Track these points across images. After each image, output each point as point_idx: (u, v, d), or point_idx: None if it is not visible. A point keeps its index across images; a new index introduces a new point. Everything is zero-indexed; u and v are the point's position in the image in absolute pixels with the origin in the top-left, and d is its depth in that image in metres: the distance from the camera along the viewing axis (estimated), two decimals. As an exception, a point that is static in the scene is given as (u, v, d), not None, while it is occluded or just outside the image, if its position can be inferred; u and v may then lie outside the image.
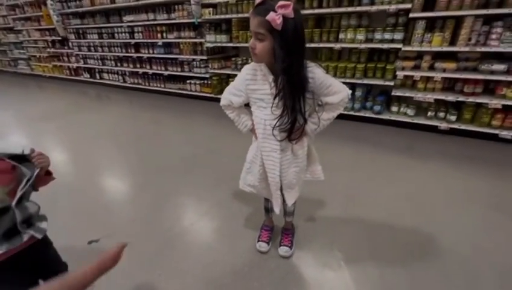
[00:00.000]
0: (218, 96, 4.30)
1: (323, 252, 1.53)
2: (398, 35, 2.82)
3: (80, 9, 5.33)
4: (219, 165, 2.51)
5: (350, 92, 1.15)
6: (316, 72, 1.05)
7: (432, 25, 2.76)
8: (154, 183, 2.29)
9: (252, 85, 1.11)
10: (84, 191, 2.22)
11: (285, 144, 1.17)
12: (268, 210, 1.57)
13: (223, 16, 3.76)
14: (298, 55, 0.96)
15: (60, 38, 6.08)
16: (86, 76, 6.30)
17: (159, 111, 4.30)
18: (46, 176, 1.01)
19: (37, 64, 7.29)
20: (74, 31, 5.83)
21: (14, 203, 0.85)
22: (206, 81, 4.36)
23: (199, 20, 3.88)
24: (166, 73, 4.76)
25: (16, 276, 0.94)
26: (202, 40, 4.06)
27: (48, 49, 6.67)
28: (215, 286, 1.37)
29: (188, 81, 4.54)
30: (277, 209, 1.32)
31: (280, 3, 0.87)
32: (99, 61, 5.80)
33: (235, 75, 3.81)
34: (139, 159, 2.75)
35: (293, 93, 1.00)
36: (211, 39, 3.97)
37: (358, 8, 2.90)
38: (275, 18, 0.87)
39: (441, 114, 2.91)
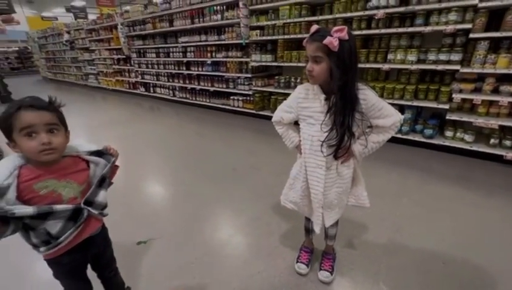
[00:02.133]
0: (260, 112, 4.44)
1: (366, 283, 1.44)
2: (456, 56, 2.64)
3: (143, 32, 6.05)
4: (258, 180, 2.55)
5: (402, 117, 1.14)
6: (368, 94, 1.09)
7: (496, 46, 2.54)
8: (196, 193, 2.40)
9: (303, 103, 1.16)
10: (133, 195, 2.42)
11: (331, 162, 1.17)
12: (309, 231, 1.54)
13: (269, 37, 3.94)
14: (352, 74, 1.03)
15: (124, 56, 6.93)
16: (141, 90, 7.02)
17: (203, 124, 4.57)
18: (115, 167, 1.09)
19: (104, 79, 8.35)
20: (136, 51, 6.60)
21: (82, 202, 0.93)
22: (248, 98, 4.54)
23: (247, 41, 4.11)
24: (212, 89, 5.08)
25: (79, 264, 1.05)
26: (248, 60, 4.28)
27: (113, 66, 7.63)
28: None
29: (231, 97, 4.78)
30: (317, 228, 1.30)
31: (336, 28, 0.98)
32: (154, 77, 6.43)
33: (278, 93, 3.92)
34: (183, 169, 2.92)
35: (344, 110, 1.04)
36: (257, 58, 4.16)
37: (411, 29, 2.81)
38: (332, 41, 0.96)
39: (508, 142, 2.59)
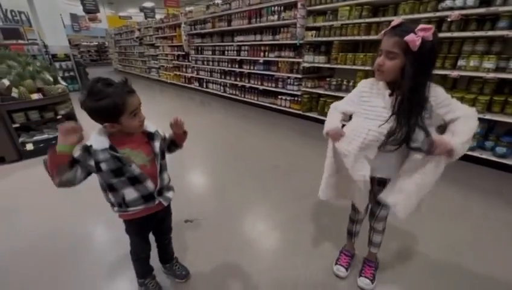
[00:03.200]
0: (306, 113, 4.41)
1: (410, 299, 1.35)
2: (547, 66, 2.27)
3: (202, 31, 6.48)
4: (299, 180, 2.55)
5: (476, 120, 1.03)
6: (437, 91, 1.01)
7: None
8: (238, 184, 2.52)
9: (366, 97, 1.12)
10: (183, 179, 2.63)
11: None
12: (352, 234, 1.50)
13: (324, 38, 3.88)
14: (427, 76, 0.96)
15: (183, 53, 7.50)
16: (195, 84, 7.51)
17: (249, 121, 4.71)
18: (184, 134, 1.29)
19: (164, 73, 9.16)
20: (194, 48, 7.09)
21: (158, 173, 1.13)
22: (296, 98, 4.53)
23: (301, 41, 4.11)
24: (261, 87, 5.20)
25: (144, 226, 1.25)
26: (300, 60, 4.28)
27: (173, 61, 8.32)
28: (213, 267, 1.41)
29: (279, 97, 4.83)
30: (362, 207, 1.26)
31: (422, 26, 0.91)
32: (208, 73, 6.83)
33: (327, 95, 3.82)
34: (228, 161, 3.08)
35: (410, 113, 0.98)
36: (309, 59, 4.13)
37: (491, 33, 2.50)
38: (415, 39, 0.90)
39: None
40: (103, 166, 0.99)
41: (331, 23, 3.74)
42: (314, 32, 4.01)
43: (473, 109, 1.03)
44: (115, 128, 0.99)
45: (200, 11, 6.40)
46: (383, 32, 1.01)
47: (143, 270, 1.38)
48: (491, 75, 2.56)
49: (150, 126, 1.14)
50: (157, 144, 1.13)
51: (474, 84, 2.84)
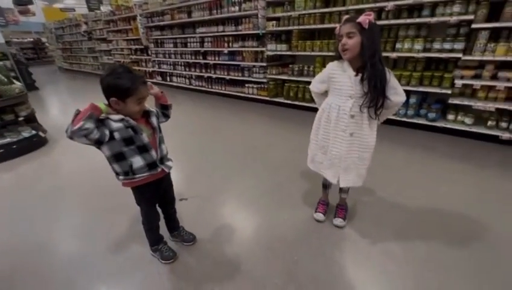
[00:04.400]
0: (274, 99, 4.75)
1: (372, 227, 1.78)
2: (459, 45, 2.90)
3: (161, 23, 6.35)
4: (277, 155, 2.88)
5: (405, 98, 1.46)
6: (389, 73, 1.40)
7: (497, 35, 2.79)
8: (223, 166, 2.75)
9: (334, 77, 1.47)
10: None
11: (353, 128, 1.47)
12: (326, 186, 1.87)
13: (285, 28, 4.21)
14: (378, 46, 1.34)
15: (142, 47, 7.25)
16: (158, 79, 7.36)
17: (220, 110, 4.90)
18: (161, 93, 1.43)
19: (120, 68, 8.70)
20: (154, 41, 6.92)
21: (157, 144, 1.34)
22: (263, 86, 4.84)
23: (263, 31, 4.39)
24: (228, 77, 5.39)
25: (153, 193, 1.44)
26: (263, 49, 4.57)
27: (131, 56, 7.97)
28: (280, 237, 1.72)
29: (246, 85, 5.09)
30: (334, 180, 1.61)
31: (366, 12, 1.31)
32: (171, 66, 6.76)
33: (291, 81, 4.23)
34: (207, 147, 3.28)
35: (375, 76, 1.32)
36: (272, 48, 4.44)
37: (418, 20, 3.06)
38: (364, 19, 1.28)
39: (504, 124, 2.86)
40: (116, 135, 1.17)
41: (289, 13, 4.07)
42: (274, 22, 4.32)
43: (404, 99, 1.44)
44: (119, 105, 1.17)
45: (156, 3, 6.25)
46: (339, 26, 1.37)
47: (155, 238, 1.57)
48: (421, 55, 3.15)
49: (146, 106, 1.32)
50: (154, 120, 1.34)
51: (409, 63, 3.44)
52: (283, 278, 1.44)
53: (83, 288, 1.45)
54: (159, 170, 1.36)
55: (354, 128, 1.47)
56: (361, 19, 1.28)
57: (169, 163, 1.44)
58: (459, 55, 2.90)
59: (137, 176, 1.29)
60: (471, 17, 2.73)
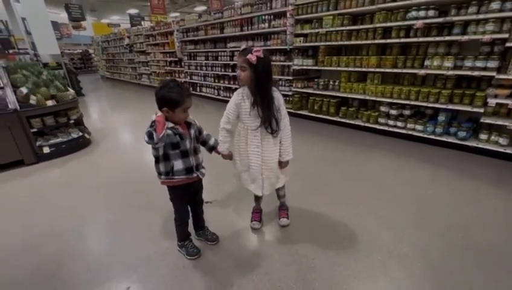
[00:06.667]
0: (298, 112, 4.85)
1: (390, 242, 1.79)
2: (492, 64, 2.82)
3: (195, 38, 6.83)
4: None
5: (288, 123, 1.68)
6: (279, 96, 1.61)
7: (534, 54, 2.68)
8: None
9: (241, 103, 1.60)
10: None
11: (262, 142, 1.63)
12: (258, 197, 1.97)
13: (312, 44, 4.35)
14: (267, 79, 1.50)
15: (176, 59, 7.81)
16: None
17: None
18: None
19: (156, 78, 9.39)
20: (188, 54, 7.42)
21: (192, 152, 1.52)
22: (288, 98, 4.98)
23: (291, 46, 4.57)
24: (254, 89, 5.60)
25: (186, 193, 1.62)
26: (290, 63, 4.73)
27: (166, 67, 8.59)
28: (232, 232, 1.80)
29: (272, 97, 5.25)
30: (259, 191, 1.74)
31: (256, 48, 1.45)
32: (202, 78, 7.18)
33: (316, 94, 4.31)
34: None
35: (263, 104, 1.52)
36: (298, 63, 4.59)
37: (448, 38, 3.04)
38: (251, 57, 1.42)
39: (543, 146, 2.70)
40: (167, 139, 1.37)
41: (316, 30, 4.22)
42: (302, 38, 4.48)
43: (287, 120, 1.65)
44: (168, 113, 1.38)
45: (192, 19, 6.75)
46: (237, 54, 1.55)
47: (183, 234, 1.73)
48: (450, 72, 3.10)
49: (189, 118, 1.53)
50: (192, 131, 1.52)
51: (439, 80, 3.38)
52: (298, 283, 1.51)
53: (118, 274, 1.63)
54: (195, 175, 1.55)
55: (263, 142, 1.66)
56: (248, 56, 1.41)
57: (203, 170, 1.62)
58: (493, 73, 2.82)
59: (176, 177, 1.48)
60: (506, 35, 2.66)
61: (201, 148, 1.67)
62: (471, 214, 2.06)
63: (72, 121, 3.71)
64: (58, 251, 1.82)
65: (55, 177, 3.02)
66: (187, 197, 1.66)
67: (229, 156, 1.73)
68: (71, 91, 3.83)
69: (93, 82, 12.91)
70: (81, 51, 18.75)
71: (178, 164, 1.46)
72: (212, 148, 1.72)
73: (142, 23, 12.46)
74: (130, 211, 2.26)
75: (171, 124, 1.39)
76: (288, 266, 1.63)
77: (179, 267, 1.65)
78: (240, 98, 1.60)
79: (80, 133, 3.76)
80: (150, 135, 1.30)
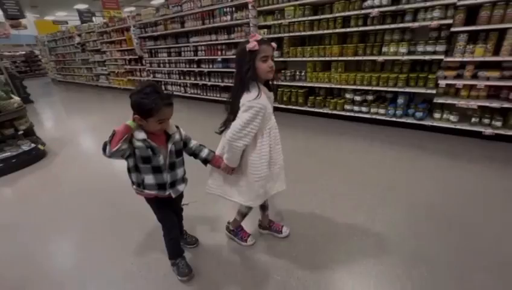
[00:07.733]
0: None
1: (367, 225, 1.89)
2: (440, 48, 3.06)
3: (155, 34, 6.47)
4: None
5: (240, 127, 1.30)
6: None
7: (475, 37, 2.96)
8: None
9: (266, 105, 1.33)
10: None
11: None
12: (246, 215, 1.75)
13: (276, 35, 4.36)
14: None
15: (136, 57, 7.35)
16: (153, 88, 7.43)
17: (216, 116, 4.98)
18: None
19: (115, 79, 8.78)
20: (148, 51, 7.02)
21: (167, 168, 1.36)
22: (257, 91, 4.96)
23: (255, 39, 4.52)
24: (222, 84, 5.51)
25: (168, 206, 1.50)
26: (256, 56, 4.69)
27: (125, 66, 8.06)
28: (211, 233, 1.82)
29: (241, 91, 5.20)
30: (284, 184, 1.58)
31: (251, 35, 1.29)
32: (166, 75, 6.86)
33: (284, 86, 4.33)
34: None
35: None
36: (264, 55, 4.57)
37: (401, 25, 3.23)
38: (252, 44, 1.24)
39: (486, 120, 3.02)
40: (137, 152, 1.25)
41: (279, 21, 4.23)
42: (266, 30, 4.47)
43: (238, 122, 1.31)
44: (141, 122, 1.23)
45: (149, 14, 6.37)
46: (261, 45, 1.24)
47: (174, 251, 1.56)
48: (405, 57, 3.31)
49: (171, 128, 1.37)
50: (170, 145, 1.34)
51: (396, 65, 3.60)
52: (282, 274, 1.54)
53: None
54: (167, 193, 1.40)
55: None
56: (249, 45, 1.23)
57: (180, 187, 1.47)
58: (441, 56, 3.07)
59: (146, 191, 1.36)
60: (450, 21, 2.90)
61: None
62: (435, 188, 2.26)
63: (20, 132, 3.33)
64: (22, 276, 1.64)
65: (7, 197, 2.70)
66: (167, 205, 1.50)
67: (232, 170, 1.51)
68: (16, 98, 3.42)
69: (43, 86, 11.71)
70: (24, 52, 16.83)
71: (149, 179, 1.33)
72: (207, 161, 1.55)
73: (94, 19, 11.51)
74: (100, 223, 2.10)
75: (142, 136, 1.24)
76: (272, 260, 1.64)
77: (159, 276, 1.58)
78: (262, 102, 1.28)
79: (32, 145, 3.39)
80: (103, 147, 1.17)
